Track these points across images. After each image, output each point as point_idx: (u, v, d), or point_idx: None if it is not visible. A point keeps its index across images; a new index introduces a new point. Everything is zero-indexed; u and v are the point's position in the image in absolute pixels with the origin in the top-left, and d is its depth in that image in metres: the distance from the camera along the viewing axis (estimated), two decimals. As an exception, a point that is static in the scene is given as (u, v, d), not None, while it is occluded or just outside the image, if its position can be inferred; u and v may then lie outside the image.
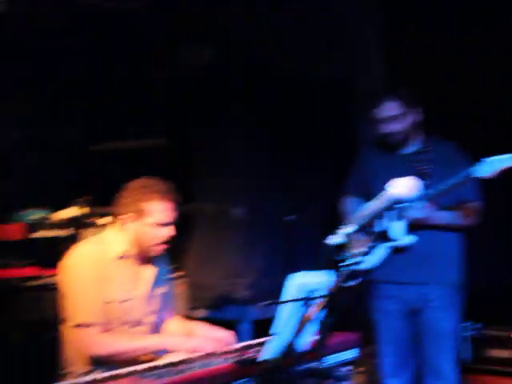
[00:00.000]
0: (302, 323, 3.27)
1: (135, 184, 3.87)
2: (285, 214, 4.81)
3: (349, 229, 2.76)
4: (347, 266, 2.71)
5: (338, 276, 2.73)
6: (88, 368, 3.75)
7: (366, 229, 2.74)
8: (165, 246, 3.91)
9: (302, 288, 3.22)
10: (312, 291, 3.24)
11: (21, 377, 4.69)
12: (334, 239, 2.74)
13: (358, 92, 6.17)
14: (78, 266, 3.77)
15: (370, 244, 2.72)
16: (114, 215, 3.95)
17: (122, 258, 3.88)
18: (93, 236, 4.07)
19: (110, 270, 3.82)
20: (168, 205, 3.85)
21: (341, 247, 2.76)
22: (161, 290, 4.06)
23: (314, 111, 5.94)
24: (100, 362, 3.72)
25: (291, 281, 3.18)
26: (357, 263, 2.71)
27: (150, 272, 4.00)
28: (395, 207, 2.77)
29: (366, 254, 2.72)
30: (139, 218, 3.82)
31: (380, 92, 4.87)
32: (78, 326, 3.70)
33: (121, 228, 3.90)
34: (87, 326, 3.69)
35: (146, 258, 3.98)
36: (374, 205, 2.79)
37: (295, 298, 3.22)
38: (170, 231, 3.86)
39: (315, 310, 3.28)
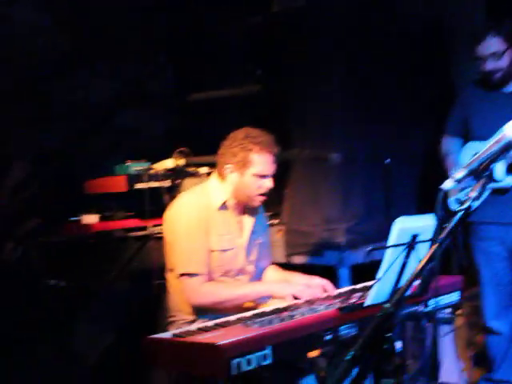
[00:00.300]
0: (407, 267, 3.24)
1: (239, 134, 3.85)
2: (383, 157, 4.71)
3: (461, 173, 2.68)
4: (459, 210, 2.63)
5: (448, 221, 2.66)
6: (193, 316, 3.80)
7: (478, 173, 2.65)
8: (264, 198, 3.91)
9: (406, 232, 3.18)
10: (417, 235, 3.19)
11: (126, 324, 4.78)
12: (447, 184, 2.66)
13: (457, 27, 5.97)
14: (184, 215, 3.80)
15: (481, 188, 2.64)
16: (216, 165, 3.95)
17: (223, 208, 3.89)
18: (194, 186, 4.08)
19: (213, 219, 3.84)
20: (270, 157, 3.83)
21: (451, 192, 2.70)
22: (259, 239, 4.07)
23: (413, 49, 5.78)
24: (204, 311, 3.77)
25: (396, 225, 3.11)
26: (469, 208, 2.63)
27: (248, 222, 4.01)
28: (509, 150, 2.67)
29: (477, 198, 2.64)
30: (242, 168, 3.82)
31: (480, 26, 4.68)
32: (184, 275, 3.75)
33: (222, 178, 3.90)
34: (192, 275, 3.73)
35: (244, 209, 3.99)
36: (489, 148, 2.69)
37: (400, 242, 3.17)
38: (269, 183, 3.85)
39: (421, 255, 3.23)
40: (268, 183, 3.85)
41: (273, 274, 4.15)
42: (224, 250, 3.85)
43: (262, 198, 3.90)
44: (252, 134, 3.83)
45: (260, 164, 3.80)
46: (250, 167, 3.81)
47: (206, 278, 3.76)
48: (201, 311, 3.78)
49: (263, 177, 3.83)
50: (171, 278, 3.89)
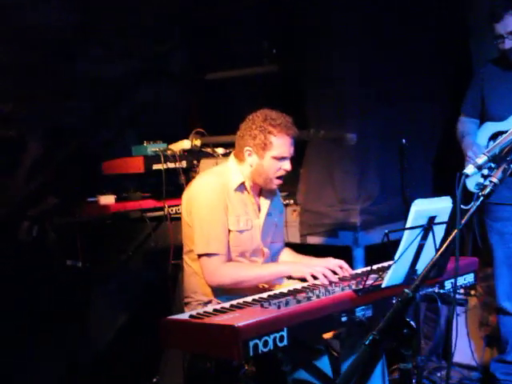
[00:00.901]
0: (423, 249, 3.19)
1: (259, 116, 3.82)
2: (398, 138, 4.68)
3: (483, 159, 2.66)
4: (480, 196, 2.61)
5: (466, 203, 2.64)
6: (209, 297, 3.80)
7: (499, 158, 2.63)
8: (281, 182, 3.89)
9: (423, 214, 3.17)
10: (434, 217, 3.17)
11: (142, 305, 4.78)
12: (468, 170, 2.64)
13: (476, 4, 5.88)
14: (204, 195, 3.77)
15: (502, 173, 2.62)
16: (234, 146, 3.93)
17: (239, 189, 3.88)
18: (211, 167, 4.06)
19: (230, 200, 3.83)
20: (289, 139, 3.81)
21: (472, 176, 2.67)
22: (274, 220, 4.06)
23: (429, 26, 5.70)
24: (222, 291, 3.77)
25: (414, 207, 3.11)
26: (490, 193, 2.61)
27: (265, 203, 4.00)
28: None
29: (498, 184, 2.62)
30: (261, 151, 3.80)
31: (498, 5, 4.63)
32: (203, 255, 3.73)
33: (240, 160, 3.89)
34: (212, 255, 3.72)
35: (261, 190, 3.98)
36: (511, 133, 2.66)
37: (417, 224, 3.15)
38: (288, 166, 3.84)
39: (438, 236, 3.22)
40: (287, 165, 3.83)
41: (287, 256, 4.15)
42: (241, 231, 3.84)
43: (280, 182, 3.89)
44: (271, 116, 3.80)
45: (279, 146, 3.78)
46: (269, 150, 3.78)
47: (225, 259, 3.75)
48: (218, 292, 3.78)
49: (282, 159, 3.81)
50: (188, 260, 3.88)
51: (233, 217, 3.81)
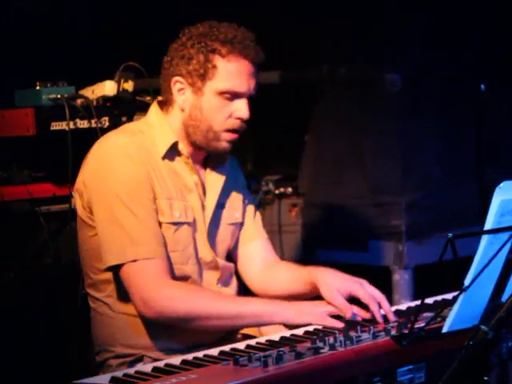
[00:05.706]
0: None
1: (199, 27, 3.85)
2: (475, 82, 4.75)
3: None
4: None
5: None
6: (138, 349, 3.80)
7: None
8: (235, 137, 3.88)
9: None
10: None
11: (30, 359, 4.82)
12: None
13: None
14: (114, 167, 3.78)
15: None
16: (161, 85, 3.95)
17: (170, 155, 3.89)
18: (127, 124, 4.14)
19: (156, 173, 3.84)
20: (248, 65, 3.82)
21: None
22: (235, 216, 4.09)
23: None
24: (162, 333, 3.76)
25: (498, 195, 3.10)
26: None
27: (215, 182, 4.01)
28: None
29: None
30: (200, 81, 3.81)
31: None
32: (129, 263, 3.69)
33: (167, 107, 3.92)
34: (145, 261, 3.69)
35: (206, 160, 4.00)
36: None
37: (504, 223, 3.15)
38: (244, 109, 3.83)
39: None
40: (242, 109, 3.82)
41: (284, 273, 4.13)
42: (176, 224, 3.84)
43: (233, 137, 3.88)
44: (219, 27, 3.83)
45: (230, 75, 3.79)
46: (212, 79, 3.80)
47: (166, 265, 3.73)
48: (156, 335, 3.78)
49: (234, 97, 3.82)
50: (93, 292, 3.89)
51: (163, 200, 3.81)
